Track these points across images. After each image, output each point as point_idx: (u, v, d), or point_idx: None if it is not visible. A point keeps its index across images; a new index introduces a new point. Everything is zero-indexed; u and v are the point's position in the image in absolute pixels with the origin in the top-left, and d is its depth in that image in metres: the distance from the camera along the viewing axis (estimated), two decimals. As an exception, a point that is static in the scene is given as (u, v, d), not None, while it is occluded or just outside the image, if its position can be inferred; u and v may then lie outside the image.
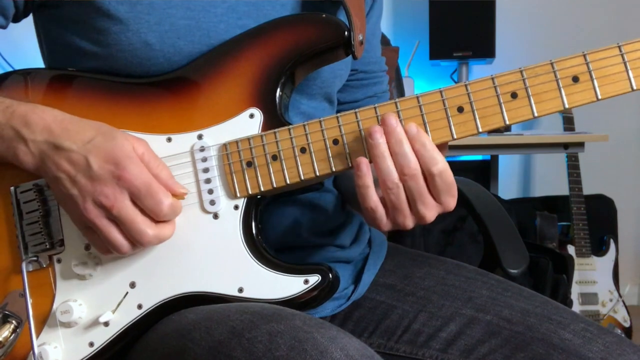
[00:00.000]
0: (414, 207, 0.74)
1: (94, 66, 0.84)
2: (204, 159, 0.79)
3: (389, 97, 1.10)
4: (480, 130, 0.75)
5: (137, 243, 0.74)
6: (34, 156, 0.75)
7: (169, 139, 0.80)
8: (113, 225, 0.73)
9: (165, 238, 0.76)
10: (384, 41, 1.99)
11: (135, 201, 0.73)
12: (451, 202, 0.74)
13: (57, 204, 0.80)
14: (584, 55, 0.73)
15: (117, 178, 0.72)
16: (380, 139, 0.73)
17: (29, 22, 0.92)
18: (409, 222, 0.75)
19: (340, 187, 1.02)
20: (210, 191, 0.79)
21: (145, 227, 0.73)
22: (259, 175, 0.78)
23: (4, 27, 0.88)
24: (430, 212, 0.74)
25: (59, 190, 0.75)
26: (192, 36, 0.82)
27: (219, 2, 0.84)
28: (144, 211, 0.74)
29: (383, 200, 0.74)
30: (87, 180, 0.72)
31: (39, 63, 0.93)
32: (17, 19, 0.89)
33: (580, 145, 2.51)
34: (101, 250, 0.77)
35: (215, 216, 0.79)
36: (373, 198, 0.74)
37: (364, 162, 0.73)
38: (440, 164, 0.73)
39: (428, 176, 0.73)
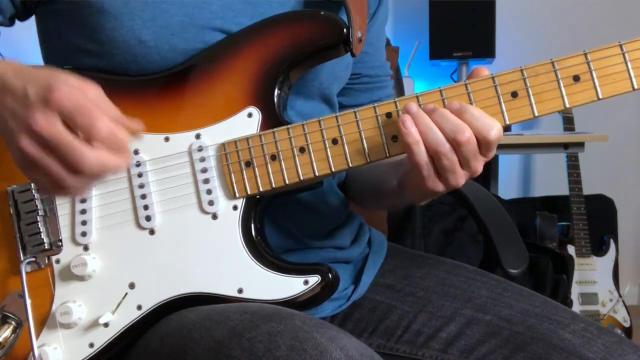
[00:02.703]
0: (466, 166, 0.74)
1: (91, 64, 0.83)
2: (202, 159, 0.79)
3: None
4: (481, 129, 0.74)
5: (77, 167, 0.66)
6: None
7: (167, 139, 0.80)
8: (49, 154, 0.67)
9: (111, 167, 0.68)
10: (384, 41, 1.98)
11: (69, 123, 0.66)
12: (494, 153, 0.75)
13: (55, 205, 0.80)
14: (585, 54, 0.72)
15: (47, 100, 0.65)
16: (418, 112, 0.73)
17: (28, 21, 0.92)
18: (462, 180, 0.75)
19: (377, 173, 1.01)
20: (209, 191, 0.79)
21: (83, 148, 0.66)
22: (257, 175, 0.78)
23: (5, 24, 0.88)
24: (481, 165, 0.74)
25: (5, 131, 0.69)
26: (186, 33, 0.82)
27: None
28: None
29: (432, 161, 0.74)
30: (22, 110, 0.67)
31: (38, 61, 0.93)
32: (20, 17, 0.90)
33: (580, 145, 2.51)
34: (48, 189, 0.71)
35: (214, 217, 0.79)
36: (423, 153, 0.73)
37: (407, 118, 0.73)
38: (495, 129, 0.72)
39: (484, 143, 0.72)
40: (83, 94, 0.67)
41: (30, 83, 0.67)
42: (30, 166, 0.68)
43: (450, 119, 0.72)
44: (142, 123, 0.77)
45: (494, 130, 0.71)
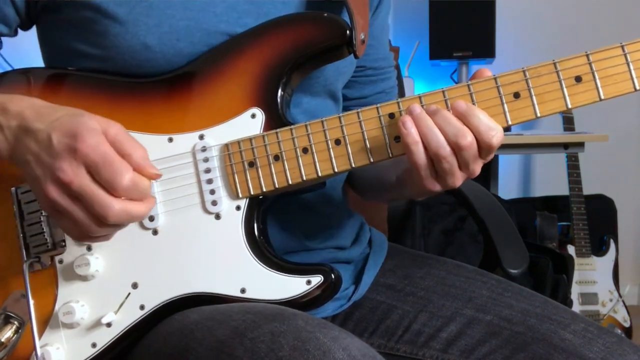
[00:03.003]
0: (465, 169, 0.74)
1: (94, 67, 0.83)
2: (206, 159, 0.79)
3: (397, 93, 1.10)
4: (483, 130, 0.74)
5: (103, 219, 0.68)
6: (9, 143, 0.73)
7: (171, 139, 0.80)
8: (76, 203, 0.68)
9: (136, 215, 0.71)
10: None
11: (94, 175, 0.68)
12: (492, 155, 0.76)
13: None
14: (587, 55, 0.73)
15: (73, 151, 0.67)
16: (420, 113, 0.73)
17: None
18: (459, 182, 0.75)
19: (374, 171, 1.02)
20: (212, 192, 0.79)
21: (109, 200, 0.68)
22: (260, 175, 0.78)
23: (9, 35, 0.88)
24: (479, 167, 0.75)
25: (29, 175, 0.71)
26: (192, 37, 0.82)
27: (218, 1, 0.84)
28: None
29: (431, 163, 0.74)
30: (48, 158, 0.68)
31: (39, 63, 0.93)
32: (24, 27, 0.90)
33: (580, 145, 2.51)
34: (74, 236, 0.73)
35: (217, 217, 0.79)
36: (421, 153, 0.73)
37: (408, 119, 0.73)
38: (498, 134, 0.72)
39: (485, 147, 0.72)
40: (106, 140, 0.68)
41: (54, 129, 0.69)
42: (57, 214, 0.70)
43: (452, 122, 0.72)
44: (146, 124, 0.78)
45: (496, 135, 0.72)
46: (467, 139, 0.71)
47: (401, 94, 1.73)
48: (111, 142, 0.69)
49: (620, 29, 3.02)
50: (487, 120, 0.72)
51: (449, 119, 0.72)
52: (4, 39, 0.90)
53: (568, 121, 2.74)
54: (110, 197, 0.68)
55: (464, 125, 0.72)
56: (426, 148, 0.72)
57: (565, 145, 2.52)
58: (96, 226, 0.70)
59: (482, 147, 0.72)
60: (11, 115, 0.73)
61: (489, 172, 2.95)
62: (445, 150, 0.72)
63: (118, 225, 0.72)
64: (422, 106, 0.74)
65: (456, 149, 0.72)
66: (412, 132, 0.72)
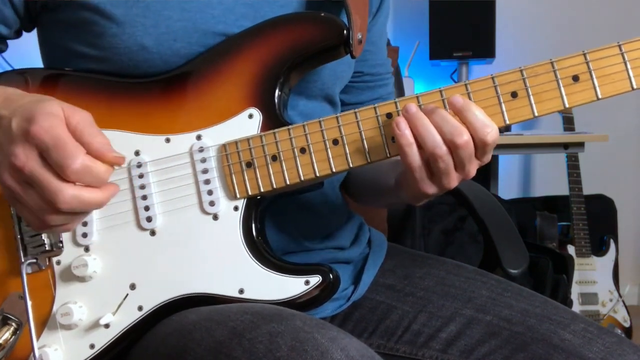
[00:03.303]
0: (460, 169, 0.74)
1: (92, 67, 0.83)
2: (203, 160, 0.79)
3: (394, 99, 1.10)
4: (481, 129, 0.74)
5: (53, 205, 0.66)
6: None
7: (168, 140, 0.80)
8: (30, 190, 0.66)
9: (90, 202, 0.67)
10: (384, 41, 1.97)
11: (46, 158, 0.65)
12: (489, 157, 0.75)
13: None
14: (584, 55, 0.73)
15: (26, 134, 0.65)
16: (417, 113, 0.72)
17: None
18: (455, 183, 0.75)
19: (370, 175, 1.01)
20: (210, 192, 0.79)
21: (59, 185, 0.65)
22: (258, 176, 0.78)
23: (10, 37, 0.89)
24: (475, 168, 0.75)
25: None
26: (189, 38, 0.82)
27: (215, 3, 0.84)
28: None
29: (427, 164, 0.74)
30: (6, 144, 0.66)
31: (39, 64, 0.93)
32: (26, 29, 0.90)
33: (580, 145, 2.51)
34: (34, 226, 0.70)
35: (215, 217, 0.79)
36: (416, 155, 0.73)
37: (402, 120, 0.73)
38: (493, 131, 0.72)
39: (480, 145, 0.72)
40: (63, 124, 0.66)
41: (15, 114, 0.67)
42: (16, 202, 0.68)
43: (449, 121, 0.72)
44: (143, 124, 0.77)
45: (491, 132, 0.72)
46: (464, 138, 0.71)
47: (401, 94, 1.73)
48: (72, 129, 0.66)
49: (620, 29, 3.02)
50: (483, 117, 0.72)
51: (446, 117, 0.72)
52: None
53: (568, 121, 2.73)
54: (61, 182, 0.66)
55: (460, 124, 0.71)
56: (422, 148, 0.72)
57: (565, 145, 2.52)
58: (50, 214, 0.67)
59: (477, 145, 0.72)
60: None
61: (489, 172, 2.95)
62: (442, 149, 0.72)
63: (77, 214, 0.70)
64: (419, 106, 0.74)
65: (452, 147, 0.71)
66: (405, 134, 0.72)
